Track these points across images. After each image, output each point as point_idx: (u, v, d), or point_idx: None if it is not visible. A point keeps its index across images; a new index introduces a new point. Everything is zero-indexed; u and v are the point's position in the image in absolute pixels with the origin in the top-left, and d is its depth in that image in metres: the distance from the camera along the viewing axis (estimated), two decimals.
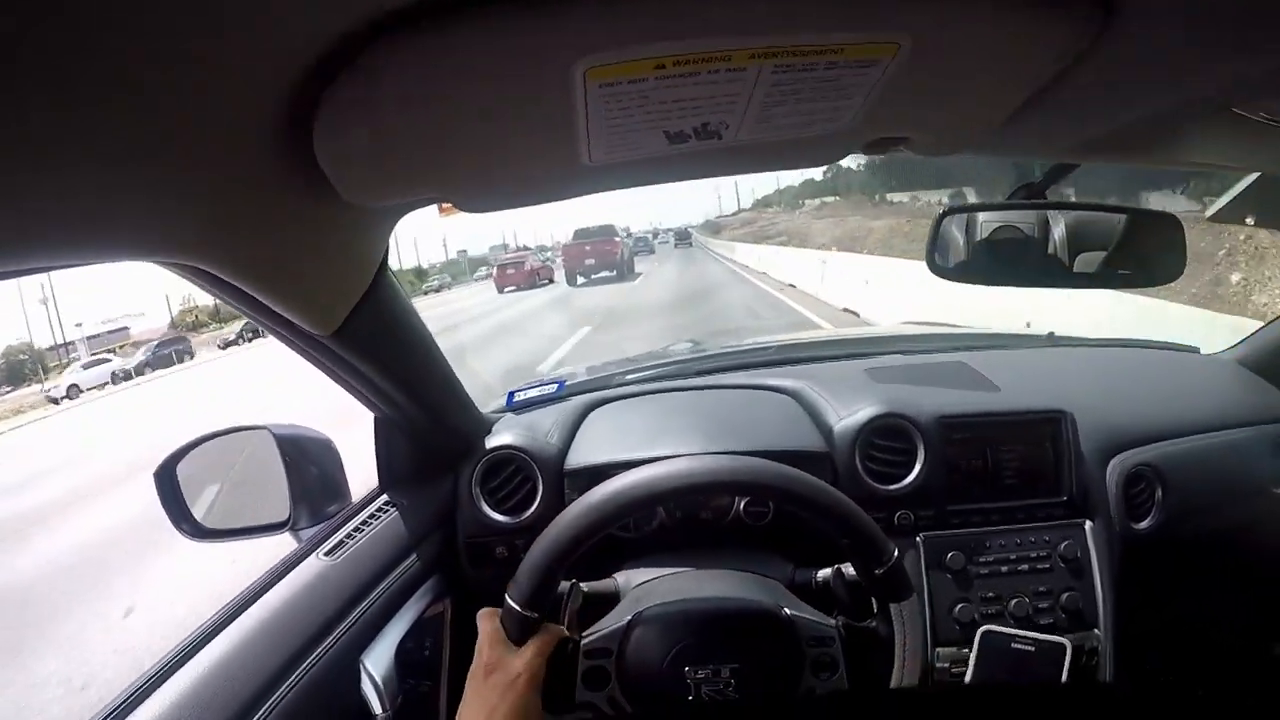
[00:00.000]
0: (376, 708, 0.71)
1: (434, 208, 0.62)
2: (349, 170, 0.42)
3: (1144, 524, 0.99)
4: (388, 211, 0.58)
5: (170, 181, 0.36)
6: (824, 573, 0.77)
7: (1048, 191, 0.80)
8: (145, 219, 0.38)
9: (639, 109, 0.39)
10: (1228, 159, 0.79)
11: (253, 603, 0.69)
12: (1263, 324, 1.29)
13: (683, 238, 45.73)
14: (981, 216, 0.83)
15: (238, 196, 0.42)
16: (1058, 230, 0.85)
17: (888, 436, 0.94)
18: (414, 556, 0.86)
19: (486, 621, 0.65)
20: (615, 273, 18.19)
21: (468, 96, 0.36)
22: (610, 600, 0.79)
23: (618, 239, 18.71)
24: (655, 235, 49.73)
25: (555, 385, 1.09)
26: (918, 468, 0.92)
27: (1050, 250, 0.86)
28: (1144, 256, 0.86)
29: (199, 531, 0.91)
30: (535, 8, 0.30)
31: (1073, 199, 0.95)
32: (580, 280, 18.18)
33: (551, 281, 20.51)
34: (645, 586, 0.79)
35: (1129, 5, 0.34)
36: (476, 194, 0.51)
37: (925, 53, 0.37)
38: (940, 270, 0.85)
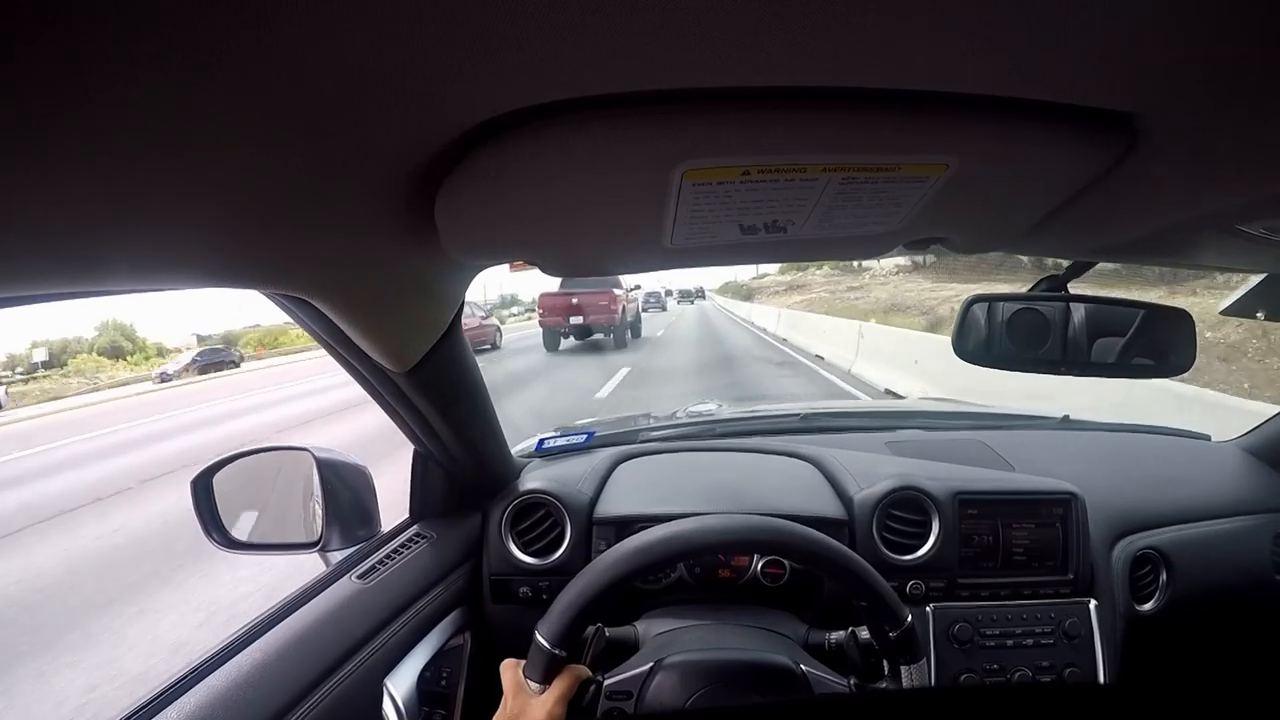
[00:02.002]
0: None
1: None
2: (460, 234, 0.47)
3: (1148, 606, 1.02)
4: (477, 264, 0.63)
5: (302, 220, 0.42)
6: (837, 635, 0.79)
7: (1069, 284, 0.85)
8: (270, 252, 0.44)
9: (721, 205, 0.45)
10: (1235, 264, 0.84)
11: (287, 615, 0.72)
12: (1274, 413, 1.32)
13: (686, 296, 48.84)
14: (1004, 303, 0.87)
15: (356, 240, 0.47)
16: (1077, 315, 0.89)
17: (905, 509, 0.97)
18: (441, 587, 0.89)
19: (509, 672, 0.67)
20: (611, 338, 12.67)
21: (578, 186, 0.42)
22: (629, 646, 0.81)
23: (618, 292, 12.42)
24: (668, 293, 50.35)
25: (584, 436, 1.13)
26: (931, 540, 0.95)
27: (1070, 334, 0.90)
28: (1159, 348, 0.90)
29: (229, 542, 0.94)
30: (650, 116, 0.35)
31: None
32: (562, 344, 12.71)
33: (494, 347, 14.01)
34: (667, 635, 0.82)
35: (1148, 135, 0.39)
36: (562, 261, 0.57)
37: (969, 171, 0.43)
38: (965, 354, 0.89)
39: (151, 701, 0.58)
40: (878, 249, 0.59)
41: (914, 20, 0.27)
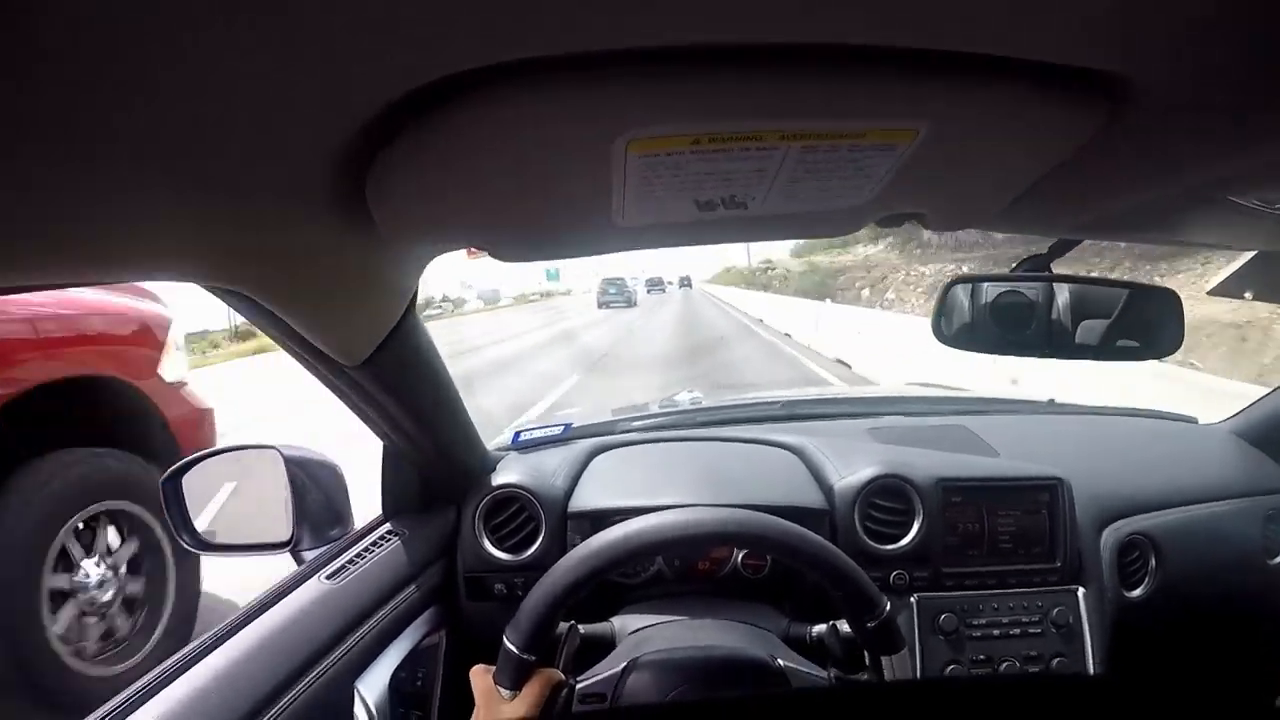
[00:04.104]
0: None
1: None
2: (396, 218, 0.44)
3: (1137, 592, 1.00)
4: (424, 252, 0.61)
5: (228, 214, 0.39)
6: (819, 628, 0.78)
7: (1052, 264, 0.83)
8: (201, 246, 0.41)
9: (673, 178, 0.42)
10: (1224, 239, 0.82)
11: (253, 619, 0.70)
12: (1261, 395, 1.31)
13: (655, 285, 47.82)
14: (987, 284, 0.86)
15: (289, 231, 0.44)
16: (1061, 297, 0.88)
17: (887, 497, 0.95)
18: (413, 586, 0.86)
19: (479, 679, 0.66)
20: None
21: (513, 161, 0.38)
22: (606, 644, 0.80)
23: None
24: (655, 282, 48.48)
25: (561, 428, 1.10)
26: (915, 529, 0.94)
27: (1054, 316, 0.88)
28: (1145, 330, 0.88)
29: (200, 543, 0.92)
30: (585, 82, 0.32)
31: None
32: None
33: None
34: (641, 633, 0.80)
35: (1134, 99, 0.36)
36: (511, 246, 0.54)
37: (941, 138, 0.39)
38: (946, 338, 0.87)
39: (116, 710, 0.56)
40: (847, 225, 0.57)
41: None
